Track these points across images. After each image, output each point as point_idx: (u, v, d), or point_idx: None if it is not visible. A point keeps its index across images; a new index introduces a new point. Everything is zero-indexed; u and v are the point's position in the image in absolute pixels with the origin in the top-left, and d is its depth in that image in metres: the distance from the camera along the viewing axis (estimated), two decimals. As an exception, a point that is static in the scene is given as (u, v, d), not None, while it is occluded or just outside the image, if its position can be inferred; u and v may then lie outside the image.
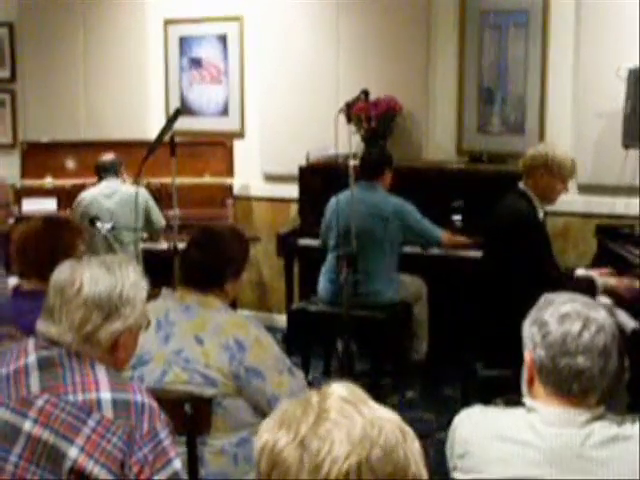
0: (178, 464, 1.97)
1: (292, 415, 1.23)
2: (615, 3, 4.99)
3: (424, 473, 1.23)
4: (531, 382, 1.92)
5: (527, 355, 1.92)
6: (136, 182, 4.19)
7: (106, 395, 1.91)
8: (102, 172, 5.47)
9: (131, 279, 2.04)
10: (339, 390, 1.26)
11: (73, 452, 1.84)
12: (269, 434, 1.23)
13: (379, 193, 4.65)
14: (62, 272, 2.03)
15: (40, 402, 1.89)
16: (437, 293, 4.97)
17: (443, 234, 4.75)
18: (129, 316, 2.02)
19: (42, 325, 2.00)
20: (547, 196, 4.00)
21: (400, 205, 4.61)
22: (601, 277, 3.92)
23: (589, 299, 1.95)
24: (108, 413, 1.88)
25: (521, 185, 4.00)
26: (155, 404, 1.98)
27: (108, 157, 5.52)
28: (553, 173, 3.92)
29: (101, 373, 1.96)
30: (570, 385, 1.84)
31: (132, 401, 1.92)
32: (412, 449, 1.22)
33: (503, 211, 4.01)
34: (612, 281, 3.89)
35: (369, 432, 1.19)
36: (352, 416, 1.21)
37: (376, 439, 1.18)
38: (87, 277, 1.99)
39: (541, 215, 4.01)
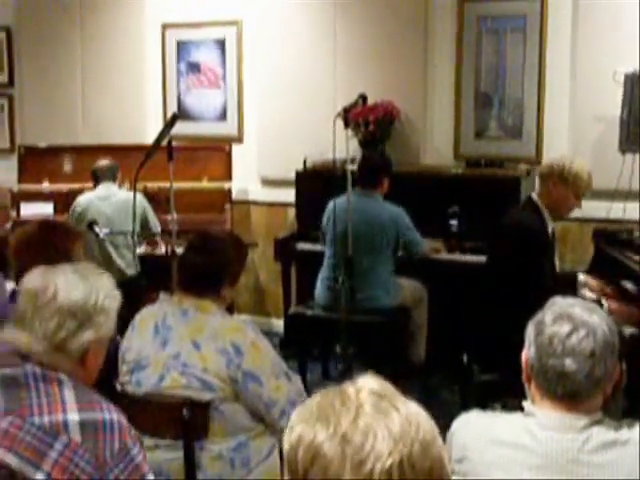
0: (151, 477, 1.92)
1: (329, 407, 1.20)
2: (612, 7, 5.00)
3: (448, 463, 1.24)
4: (529, 382, 1.92)
5: (523, 354, 1.93)
6: (133, 187, 4.18)
7: (73, 416, 1.83)
8: (99, 177, 5.47)
9: (106, 288, 2.00)
10: (370, 384, 1.25)
11: (39, 478, 1.76)
12: (305, 427, 1.20)
13: (376, 202, 4.64)
14: (34, 279, 1.98)
15: (4, 424, 1.80)
16: (436, 297, 4.96)
17: (426, 248, 4.78)
18: (102, 325, 1.97)
19: (11, 334, 1.93)
20: (558, 209, 3.91)
21: (396, 213, 4.60)
22: (606, 301, 3.86)
23: (593, 304, 1.95)
24: (76, 436, 1.81)
25: (534, 195, 3.96)
26: (124, 420, 1.91)
27: (105, 162, 5.52)
28: (568, 183, 3.82)
29: (68, 392, 1.88)
30: (555, 387, 1.84)
31: (100, 420, 1.85)
32: (441, 442, 1.23)
33: (512, 222, 3.96)
34: (614, 306, 3.83)
35: (407, 429, 1.18)
36: (388, 411, 1.20)
37: (415, 435, 1.18)
38: (62, 284, 1.94)
39: (550, 229, 3.93)
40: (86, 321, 1.94)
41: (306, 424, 1.20)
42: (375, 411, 1.19)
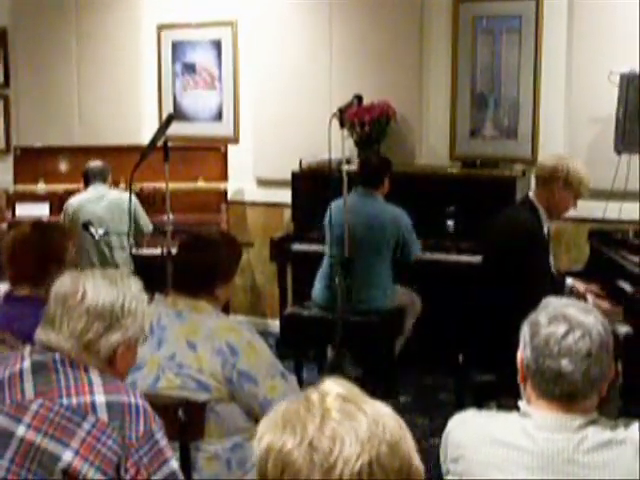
0: (175, 464, 1.98)
1: (295, 415, 1.21)
2: (608, 7, 5.00)
3: (419, 460, 1.24)
4: (524, 382, 1.92)
5: (519, 354, 1.93)
6: (129, 187, 4.18)
7: (100, 398, 1.92)
8: (90, 178, 5.47)
9: (133, 291, 2.07)
10: (335, 388, 1.25)
11: (67, 455, 1.84)
12: (272, 436, 1.20)
13: (377, 202, 4.64)
14: (64, 283, 2.05)
15: (35, 406, 1.90)
16: (432, 297, 4.96)
17: (419, 252, 4.77)
18: (129, 327, 2.04)
19: (41, 333, 2.01)
20: (557, 210, 3.89)
21: (398, 214, 4.60)
22: (591, 297, 3.88)
23: (587, 305, 1.95)
24: (103, 416, 1.89)
25: (531, 195, 3.93)
26: (149, 406, 1.98)
27: (97, 164, 5.52)
28: (573, 187, 3.81)
29: (95, 376, 1.97)
30: (552, 387, 1.84)
31: (126, 403, 1.93)
32: (409, 440, 1.23)
33: (509, 220, 3.94)
34: (597, 302, 3.84)
35: (375, 430, 1.19)
36: (355, 414, 1.20)
37: (382, 436, 1.19)
38: (90, 287, 2.01)
39: (546, 229, 3.92)
40: (114, 323, 2.01)
41: (273, 433, 1.20)
42: (341, 415, 1.19)
